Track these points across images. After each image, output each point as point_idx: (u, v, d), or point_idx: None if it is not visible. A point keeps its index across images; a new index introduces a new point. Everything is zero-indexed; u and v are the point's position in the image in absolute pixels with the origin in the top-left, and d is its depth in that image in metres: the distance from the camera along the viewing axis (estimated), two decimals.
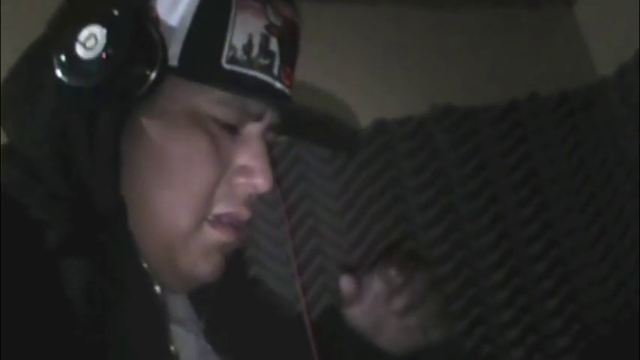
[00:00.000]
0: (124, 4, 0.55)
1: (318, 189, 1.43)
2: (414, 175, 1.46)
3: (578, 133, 1.57)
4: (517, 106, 1.55)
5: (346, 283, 0.79)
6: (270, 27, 0.62)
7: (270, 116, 0.63)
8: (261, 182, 0.62)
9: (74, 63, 0.54)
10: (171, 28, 0.58)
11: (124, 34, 0.54)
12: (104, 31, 0.54)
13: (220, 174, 0.60)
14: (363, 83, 1.51)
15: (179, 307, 0.65)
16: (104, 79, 0.54)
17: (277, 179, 0.67)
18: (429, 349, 0.81)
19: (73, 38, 0.54)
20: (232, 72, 0.59)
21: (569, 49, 1.68)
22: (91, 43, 0.54)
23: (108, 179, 0.58)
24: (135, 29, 0.55)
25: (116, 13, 0.55)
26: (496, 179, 1.50)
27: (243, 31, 0.59)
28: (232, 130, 0.61)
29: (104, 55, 0.54)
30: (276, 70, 0.62)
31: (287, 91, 0.65)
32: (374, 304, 0.76)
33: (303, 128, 0.69)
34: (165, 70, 0.56)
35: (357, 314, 0.77)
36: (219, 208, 0.61)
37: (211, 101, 0.59)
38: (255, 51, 0.60)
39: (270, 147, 0.65)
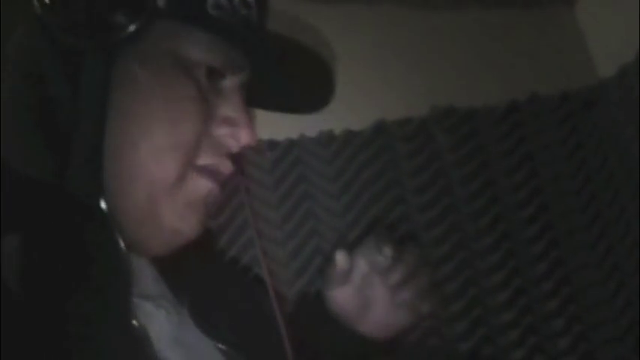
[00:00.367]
0: None
1: (318, 190, 1.43)
2: (414, 176, 1.46)
3: (579, 134, 1.57)
4: (518, 107, 1.55)
5: (342, 259, 0.78)
6: None
7: (248, 70, 0.62)
8: (244, 134, 0.62)
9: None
10: None
11: None
12: None
13: (205, 123, 0.59)
14: (363, 84, 1.52)
15: (148, 283, 0.63)
16: (89, 17, 0.52)
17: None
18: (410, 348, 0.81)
19: None
20: (217, 18, 0.58)
21: (569, 50, 1.68)
22: None
23: (94, 127, 0.55)
24: None
25: None
26: (497, 180, 1.50)
27: None
28: (216, 79, 0.60)
29: None
30: (255, 20, 0.62)
31: (267, 41, 0.64)
32: (363, 283, 0.76)
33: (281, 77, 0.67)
34: (152, 11, 0.55)
35: (345, 296, 0.77)
36: (203, 159, 0.60)
37: (197, 46, 0.58)
38: (236, 0, 0.60)
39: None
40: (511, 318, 1.41)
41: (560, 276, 1.45)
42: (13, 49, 0.53)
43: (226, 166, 0.62)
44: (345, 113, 1.50)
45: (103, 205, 0.55)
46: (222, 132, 0.60)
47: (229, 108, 0.60)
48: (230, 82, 0.61)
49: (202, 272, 0.69)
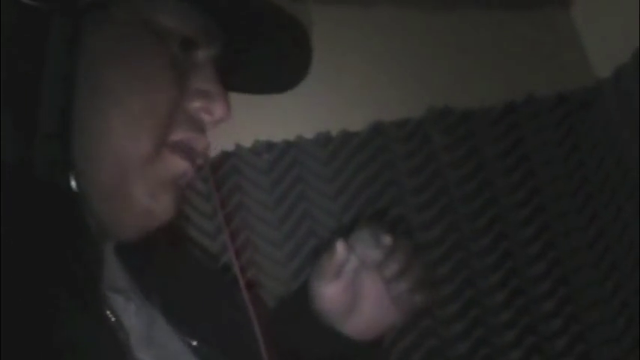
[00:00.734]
0: None
1: (315, 190, 1.43)
2: (411, 177, 1.47)
3: (576, 135, 1.57)
4: (514, 107, 1.55)
5: (342, 250, 0.74)
6: None
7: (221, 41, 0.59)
8: (219, 107, 0.60)
9: None
10: None
11: None
12: None
13: (179, 95, 0.57)
14: (359, 85, 1.52)
15: (116, 275, 0.61)
16: None
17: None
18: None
19: None
20: None
21: (566, 51, 1.68)
22: None
23: (60, 99, 0.51)
24: None
25: None
26: (494, 181, 1.50)
27: None
28: (189, 50, 0.58)
29: None
30: None
31: (243, 9, 0.62)
32: (353, 278, 0.73)
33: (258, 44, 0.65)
34: None
35: (334, 292, 0.73)
36: (177, 134, 0.57)
37: (171, 14, 0.55)
38: None
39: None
40: (508, 318, 1.41)
41: (557, 276, 1.45)
42: None
43: (201, 143, 0.59)
44: (342, 114, 1.50)
45: (72, 184, 0.52)
46: (195, 105, 0.58)
47: (203, 80, 0.58)
48: (204, 54, 0.58)
49: (172, 266, 0.66)
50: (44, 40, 0.50)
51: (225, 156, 1.42)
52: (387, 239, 0.72)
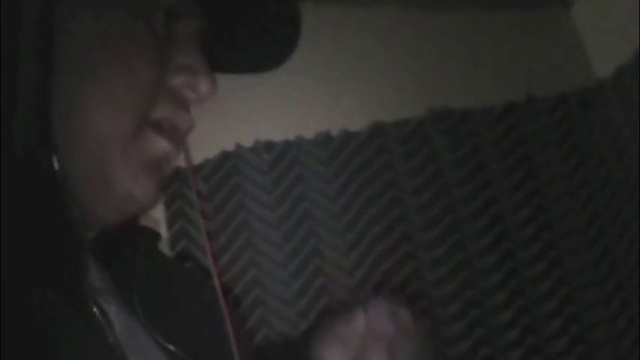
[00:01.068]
0: None
1: (315, 191, 1.43)
2: (411, 177, 1.46)
3: (576, 135, 1.57)
4: (514, 108, 1.55)
5: (361, 319, 0.69)
6: None
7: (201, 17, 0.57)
8: (204, 83, 0.57)
9: None
10: None
11: None
12: None
13: (161, 70, 0.54)
14: (359, 85, 1.52)
15: (94, 274, 0.57)
16: None
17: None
18: None
19: None
20: None
21: (566, 51, 1.68)
22: None
23: (38, 75, 0.48)
24: None
25: None
26: (494, 181, 1.50)
27: None
28: (171, 24, 0.56)
29: None
30: None
31: None
32: (359, 348, 0.68)
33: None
34: None
35: None
36: (160, 112, 0.55)
37: None
38: None
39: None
40: (509, 319, 1.41)
41: (557, 277, 1.45)
42: None
43: (185, 121, 0.57)
44: (342, 114, 1.50)
45: (55, 165, 0.49)
46: (178, 81, 0.55)
47: (186, 56, 0.55)
48: (186, 27, 0.56)
49: (149, 268, 0.64)
50: (18, 16, 0.47)
51: (224, 156, 1.42)
52: (405, 315, 0.68)
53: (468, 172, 1.49)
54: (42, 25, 0.48)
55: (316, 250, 1.39)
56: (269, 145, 1.44)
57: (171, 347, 0.57)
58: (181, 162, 0.63)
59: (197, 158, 1.42)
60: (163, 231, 1.38)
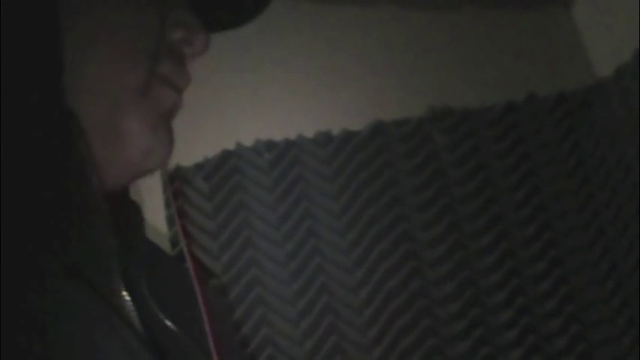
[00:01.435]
0: None
1: (316, 190, 1.43)
2: (411, 176, 1.47)
3: (576, 134, 1.57)
4: (515, 107, 1.55)
5: None
6: None
7: None
8: (200, 38, 0.58)
9: None
10: None
11: None
12: None
13: (161, 23, 0.55)
14: (360, 84, 1.52)
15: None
16: None
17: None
18: None
19: None
20: None
21: (566, 50, 1.68)
22: None
23: (48, 38, 0.48)
24: None
25: None
26: (494, 180, 1.50)
27: None
28: None
29: None
30: None
31: None
32: None
33: None
34: None
35: None
36: (163, 68, 0.55)
37: None
38: None
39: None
40: (509, 318, 1.41)
41: (557, 276, 1.45)
42: None
43: (183, 77, 0.58)
44: (343, 113, 1.50)
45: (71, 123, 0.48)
46: (176, 36, 0.56)
47: (180, 11, 0.57)
48: None
49: (147, 243, 0.63)
50: None
51: (226, 155, 1.42)
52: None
53: (469, 171, 1.49)
54: None
55: (317, 248, 1.39)
56: (270, 144, 1.44)
57: (172, 325, 0.56)
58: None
59: (198, 157, 1.42)
60: (164, 231, 1.38)
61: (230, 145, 1.43)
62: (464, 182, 1.48)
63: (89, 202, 0.48)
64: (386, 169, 1.47)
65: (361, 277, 1.39)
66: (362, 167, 1.46)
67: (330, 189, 1.44)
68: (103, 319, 0.45)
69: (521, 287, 1.43)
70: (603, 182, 1.54)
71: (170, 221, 1.37)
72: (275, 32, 1.49)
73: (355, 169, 1.45)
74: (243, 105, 1.43)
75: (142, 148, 0.53)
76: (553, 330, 1.42)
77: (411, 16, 1.60)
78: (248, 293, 1.35)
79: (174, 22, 0.55)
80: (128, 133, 0.52)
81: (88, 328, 0.44)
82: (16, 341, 0.41)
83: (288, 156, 1.44)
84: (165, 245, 1.32)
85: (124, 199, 0.57)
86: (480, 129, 1.53)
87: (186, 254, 0.71)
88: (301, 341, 1.34)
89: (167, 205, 1.38)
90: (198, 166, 1.41)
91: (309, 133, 1.47)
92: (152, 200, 1.31)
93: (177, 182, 1.39)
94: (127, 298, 0.48)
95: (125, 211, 0.56)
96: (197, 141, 1.40)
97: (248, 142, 1.44)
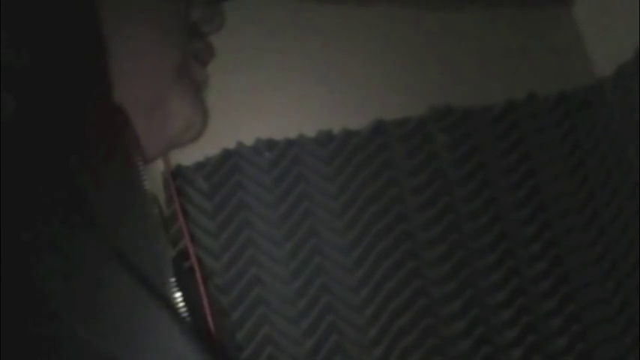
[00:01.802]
0: None
1: (316, 189, 1.43)
2: (412, 175, 1.47)
3: (577, 134, 1.57)
4: (515, 106, 1.55)
5: None
6: None
7: None
8: (216, 14, 0.60)
9: None
10: None
11: None
12: None
13: (185, 4, 0.57)
14: (360, 83, 1.52)
15: None
16: None
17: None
18: None
19: None
20: None
21: (567, 50, 1.68)
22: None
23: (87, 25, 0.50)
24: None
25: None
26: (495, 179, 1.50)
27: None
28: None
29: None
30: None
31: None
32: None
33: None
34: None
35: None
36: (193, 46, 0.58)
37: None
38: None
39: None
40: (509, 317, 1.41)
41: (558, 275, 1.46)
42: None
43: (210, 53, 0.60)
44: (344, 113, 1.50)
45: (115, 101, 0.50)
46: (197, 15, 0.58)
47: None
48: None
49: None
50: None
51: (226, 154, 1.42)
52: None
53: (469, 170, 1.49)
54: None
55: (317, 248, 1.39)
56: (270, 144, 1.44)
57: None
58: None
59: (198, 156, 1.42)
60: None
61: (230, 144, 1.43)
62: (464, 181, 1.48)
63: (140, 190, 0.48)
64: (386, 169, 1.47)
65: (361, 276, 1.39)
66: (362, 166, 1.46)
67: (331, 188, 1.44)
68: (152, 307, 0.45)
69: (521, 287, 1.43)
70: (604, 181, 1.54)
71: (171, 220, 1.37)
72: (275, 31, 1.49)
73: (356, 168, 1.45)
74: (244, 104, 1.43)
75: (182, 123, 0.55)
76: (553, 329, 1.42)
77: (412, 15, 1.60)
78: (248, 293, 1.35)
79: (194, 2, 0.57)
80: (171, 110, 0.54)
81: (136, 316, 0.44)
82: (65, 325, 0.41)
83: (289, 155, 1.44)
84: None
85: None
86: (480, 128, 1.53)
87: (191, 254, 0.72)
88: (301, 340, 1.34)
89: (168, 204, 1.38)
90: (199, 165, 1.41)
91: (310, 132, 1.47)
92: None
93: (177, 181, 1.39)
94: (176, 288, 0.47)
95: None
96: (197, 140, 1.39)
97: (248, 141, 1.44)
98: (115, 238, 0.45)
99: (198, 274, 0.66)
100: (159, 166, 1.14)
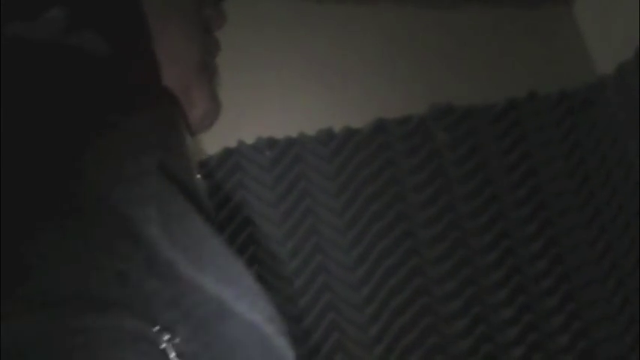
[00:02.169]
0: None
1: (317, 187, 1.43)
2: (413, 174, 1.47)
3: (578, 132, 1.57)
4: (516, 105, 1.55)
5: None
6: None
7: None
8: (221, 11, 0.64)
9: None
10: None
11: None
12: None
13: (200, 3, 0.62)
14: (362, 82, 1.52)
15: None
16: None
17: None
18: None
19: None
20: None
21: (568, 48, 1.68)
22: None
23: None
24: None
25: None
26: (495, 178, 1.50)
27: None
28: None
29: None
30: None
31: None
32: None
33: None
34: None
35: None
36: (207, 41, 0.63)
37: None
38: None
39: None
40: (510, 315, 1.41)
41: (559, 273, 1.45)
42: None
43: (218, 47, 0.64)
44: (345, 111, 1.50)
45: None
46: (207, 13, 0.63)
47: None
48: None
49: None
50: None
51: (227, 153, 1.42)
52: None
53: (470, 169, 1.49)
54: None
55: (318, 246, 1.39)
56: (271, 142, 1.44)
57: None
58: None
59: (199, 155, 1.42)
60: None
61: (231, 143, 1.43)
62: (465, 180, 1.48)
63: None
64: (387, 167, 1.47)
65: (362, 274, 1.39)
66: (363, 165, 1.46)
67: (332, 187, 1.44)
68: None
69: (522, 285, 1.43)
70: (604, 180, 1.54)
71: None
72: (276, 30, 1.49)
73: (357, 166, 1.45)
74: (245, 103, 1.43)
75: (201, 112, 0.61)
76: (554, 328, 1.42)
77: (413, 14, 1.60)
78: None
79: (206, 1, 0.61)
80: (193, 99, 0.59)
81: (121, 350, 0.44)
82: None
83: (290, 154, 1.44)
84: None
85: None
86: (481, 127, 1.53)
87: None
88: (303, 339, 1.34)
89: None
90: (200, 164, 1.41)
91: (311, 130, 1.47)
92: None
93: None
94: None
95: None
96: (198, 139, 1.40)
97: (249, 139, 1.44)
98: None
99: None
100: None
